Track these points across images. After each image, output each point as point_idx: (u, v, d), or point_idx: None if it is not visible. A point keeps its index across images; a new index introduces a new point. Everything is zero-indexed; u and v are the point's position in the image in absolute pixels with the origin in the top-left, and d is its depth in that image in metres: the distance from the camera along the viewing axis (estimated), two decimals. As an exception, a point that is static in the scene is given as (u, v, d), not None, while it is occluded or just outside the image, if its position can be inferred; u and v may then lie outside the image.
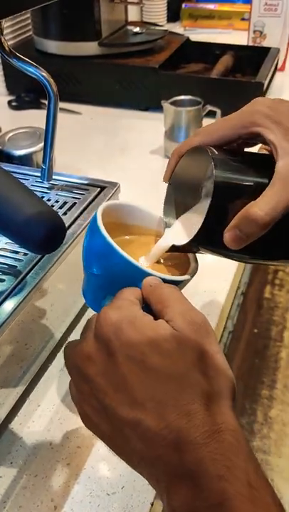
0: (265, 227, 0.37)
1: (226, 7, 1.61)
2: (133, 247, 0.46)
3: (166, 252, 0.44)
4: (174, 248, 0.44)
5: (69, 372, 0.37)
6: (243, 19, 1.56)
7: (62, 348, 0.58)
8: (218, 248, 0.40)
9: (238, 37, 1.44)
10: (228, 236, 0.38)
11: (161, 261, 0.46)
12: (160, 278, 0.40)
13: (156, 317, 0.36)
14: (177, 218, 0.46)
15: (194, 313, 0.36)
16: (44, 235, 0.40)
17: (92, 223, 0.42)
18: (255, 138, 0.42)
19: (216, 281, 0.68)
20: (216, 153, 0.40)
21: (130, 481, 0.46)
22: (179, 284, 0.42)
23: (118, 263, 0.40)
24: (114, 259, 0.40)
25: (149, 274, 0.40)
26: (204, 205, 0.39)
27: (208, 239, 0.40)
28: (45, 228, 0.40)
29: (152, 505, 0.45)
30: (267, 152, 0.41)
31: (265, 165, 0.39)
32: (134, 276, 0.39)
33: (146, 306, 0.38)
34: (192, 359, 0.33)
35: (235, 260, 0.44)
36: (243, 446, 0.31)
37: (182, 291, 0.43)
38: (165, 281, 0.40)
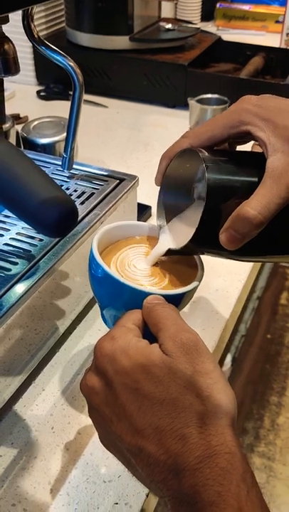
0: (260, 226, 0.37)
1: (260, 9, 1.59)
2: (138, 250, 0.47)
3: (164, 255, 0.44)
4: (171, 251, 0.43)
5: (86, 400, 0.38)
6: (277, 21, 1.54)
7: (70, 336, 0.59)
8: (216, 249, 0.40)
9: (272, 39, 1.43)
10: (223, 237, 0.38)
11: (169, 266, 0.46)
12: (161, 295, 0.40)
13: (155, 339, 0.37)
14: (171, 221, 0.46)
15: (184, 335, 0.36)
16: (57, 217, 0.40)
17: (90, 252, 0.43)
18: (245, 136, 0.42)
19: (229, 280, 0.68)
20: (207, 154, 0.40)
21: (127, 471, 0.46)
22: (185, 295, 0.42)
23: (118, 289, 0.41)
24: (114, 287, 0.41)
25: (148, 294, 0.40)
26: (198, 207, 0.39)
27: (205, 241, 0.40)
28: (58, 210, 0.40)
29: (148, 496, 0.45)
30: (260, 150, 0.40)
31: (258, 163, 0.39)
32: (136, 297, 0.40)
33: (148, 328, 0.39)
34: (184, 382, 0.34)
35: (236, 260, 0.44)
36: (237, 468, 0.31)
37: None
38: (167, 296, 0.40)
